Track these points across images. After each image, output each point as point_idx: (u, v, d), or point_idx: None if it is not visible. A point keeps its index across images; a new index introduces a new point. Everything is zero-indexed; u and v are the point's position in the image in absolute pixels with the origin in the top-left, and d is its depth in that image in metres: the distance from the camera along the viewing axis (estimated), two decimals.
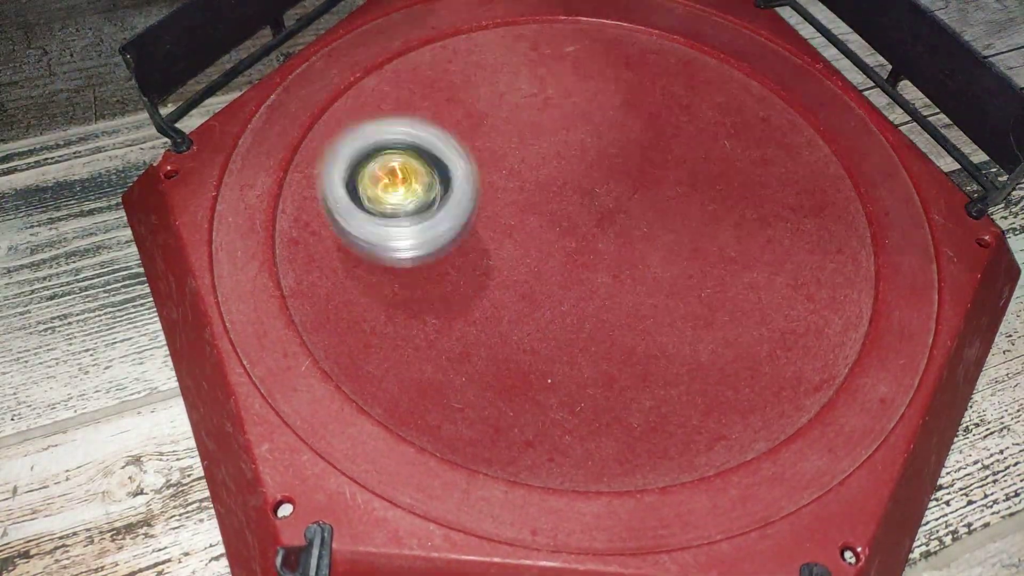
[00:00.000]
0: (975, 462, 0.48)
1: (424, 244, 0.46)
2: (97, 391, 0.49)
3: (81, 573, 0.43)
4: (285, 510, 0.40)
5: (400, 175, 0.47)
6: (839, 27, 0.63)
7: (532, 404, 0.44)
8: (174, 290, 0.49)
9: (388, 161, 0.47)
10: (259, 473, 0.40)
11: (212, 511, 0.45)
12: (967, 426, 0.49)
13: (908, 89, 0.59)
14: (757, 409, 0.45)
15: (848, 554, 0.40)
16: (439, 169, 0.47)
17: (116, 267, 0.55)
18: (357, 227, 0.45)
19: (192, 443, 0.47)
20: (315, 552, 0.38)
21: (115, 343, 0.51)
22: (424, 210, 0.46)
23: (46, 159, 0.60)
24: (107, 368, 0.50)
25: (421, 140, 0.47)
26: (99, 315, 0.52)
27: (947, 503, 0.47)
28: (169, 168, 0.51)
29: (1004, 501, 0.47)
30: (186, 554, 0.44)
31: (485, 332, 0.47)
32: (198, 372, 0.46)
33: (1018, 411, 0.50)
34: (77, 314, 0.52)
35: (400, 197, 0.46)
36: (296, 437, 0.42)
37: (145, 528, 0.45)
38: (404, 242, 0.45)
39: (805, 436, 0.43)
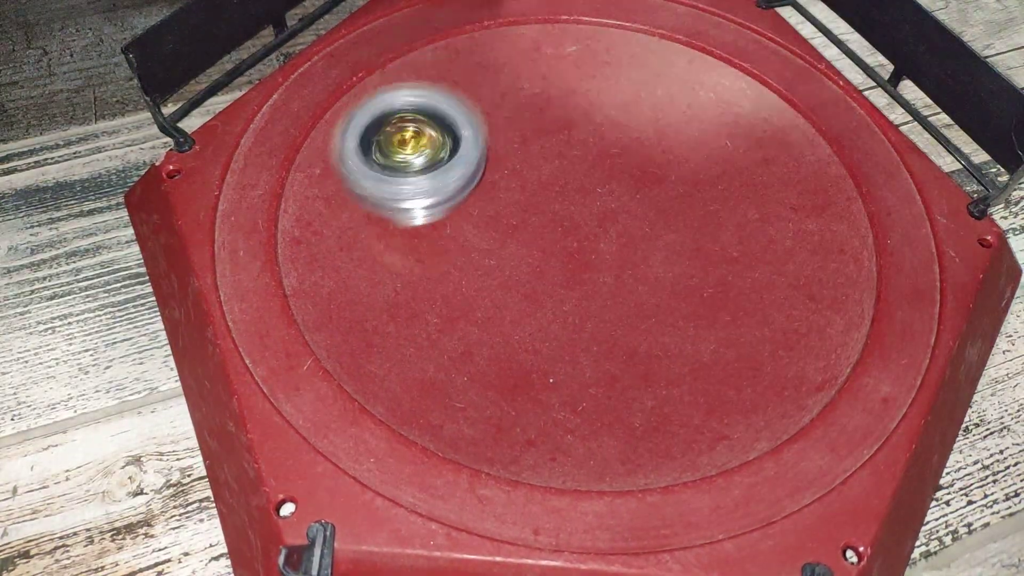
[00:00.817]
0: (975, 462, 0.48)
1: (433, 194, 0.49)
2: (97, 391, 0.49)
3: (81, 573, 0.43)
4: (287, 509, 0.40)
5: (411, 136, 0.51)
6: (840, 27, 0.63)
7: (534, 403, 0.44)
8: (176, 290, 0.49)
9: (400, 124, 0.51)
10: (261, 472, 0.40)
11: (212, 511, 0.45)
12: (967, 426, 0.49)
13: (909, 89, 0.59)
14: (759, 409, 0.45)
15: (850, 554, 0.40)
16: (450, 131, 0.51)
17: (116, 267, 0.55)
18: (369, 185, 0.49)
19: (192, 443, 0.47)
20: (317, 551, 0.37)
21: (115, 343, 0.51)
22: (434, 166, 0.50)
23: (46, 159, 0.60)
24: (107, 368, 0.50)
25: (432, 105, 0.52)
26: (99, 315, 0.52)
27: (947, 503, 0.47)
28: (171, 168, 0.51)
29: (1004, 501, 0.47)
30: (186, 554, 0.44)
31: (487, 331, 0.47)
32: (200, 372, 0.46)
33: (1018, 411, 0.50)
34: (77, 314, 0.52)
35: (410, 154, 0.50)
36: (298, 436, 0.41)
37: (145, 528, 0.45)
38: (413, 195, 0.49)
39: (807, 436, 0.43)
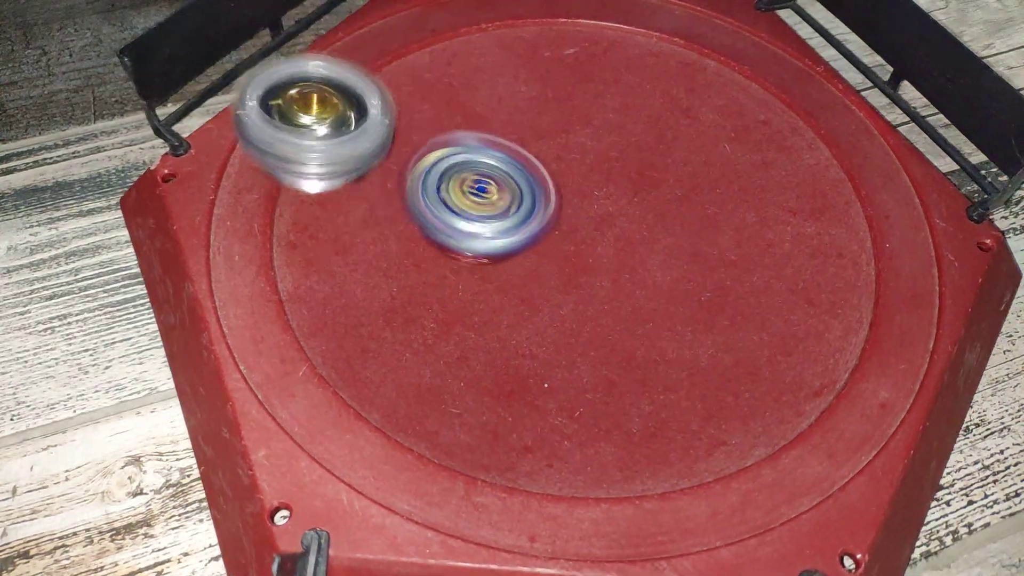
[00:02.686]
0: (975, 462, 0.48)
1: (332, 163, 0.48)
2: (96, 391, 0.49)
3: (81, 573, 0.43)
4: (282, 517, 0.40)
5: (315, 101, 0.49)
6: (838, 27, 0.63)
7: (531, 409, 0.44)
8: (171, 294, 0.48)
9: (305, 89, 0.49)
10: (256, 479, 0.40)
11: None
12: (967, 426, 0.49)
13: (906, 88, 0.58)
14: (757, 414, 0.45)
15: (848, 561, 0.40)
16: (356, 102, 0.50)
17: (115, 267, 0.55)
18: (270, 140, 0.47)
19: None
20: (312, 559, 0.37)
21: (114, 343, 0.51)
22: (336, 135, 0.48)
23: (45, 159, 0.60)
24: (106, 368, 0.50)
25: (338, 76, 0.50)
26: (98, 315, 0.52)
27: (947, 503, 0.47)
28: (167, 172, 0.51)
29: (1004, 501, 0.47)
30: (185, 554, 0.44)
31: (483, 336, 0.47)
32: (195, 377, 0.46)
33: (1018, 411, 0.50)
34: (76, 314, 0.52)
35: (314, 119, 0.49)
36: (293, 443, 0.41)
37: (145, 528, 0.45)
38: (313, 157, 0.47)
39: (805, 442, 0.43)
